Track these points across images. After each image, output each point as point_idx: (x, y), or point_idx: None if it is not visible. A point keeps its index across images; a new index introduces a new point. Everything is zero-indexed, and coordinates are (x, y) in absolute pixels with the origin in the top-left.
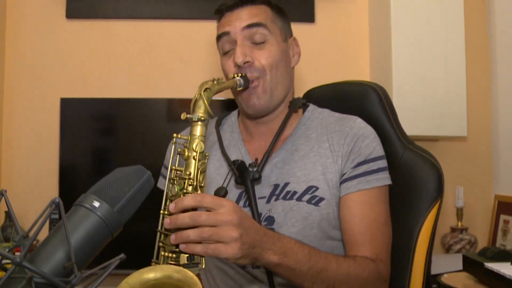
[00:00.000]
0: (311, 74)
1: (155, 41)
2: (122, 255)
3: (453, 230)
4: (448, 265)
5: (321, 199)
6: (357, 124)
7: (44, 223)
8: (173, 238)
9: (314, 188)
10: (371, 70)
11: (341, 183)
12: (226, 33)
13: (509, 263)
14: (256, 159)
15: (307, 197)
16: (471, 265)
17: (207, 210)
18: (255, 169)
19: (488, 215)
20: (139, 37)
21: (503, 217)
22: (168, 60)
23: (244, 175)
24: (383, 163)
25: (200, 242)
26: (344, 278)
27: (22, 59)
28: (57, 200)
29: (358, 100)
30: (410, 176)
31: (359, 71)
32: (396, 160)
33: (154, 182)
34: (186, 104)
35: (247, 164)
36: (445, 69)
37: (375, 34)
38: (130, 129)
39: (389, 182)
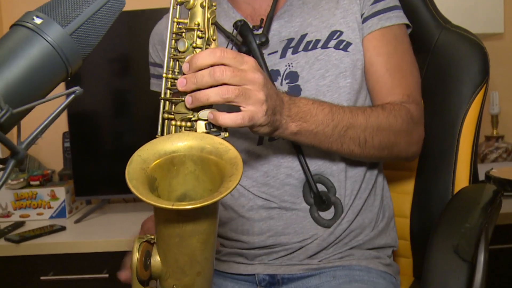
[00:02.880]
0: None
1: None
2: (77, 87)
3: (488, 138)
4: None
5: (349, 43)
6: None
7: None
8: (188, 101)
9: (338, 33)
10: None
11: (361, 23)
12: None
13: None
14: (262, 20)
15: (333, 42)
16: None
17: None
18: (260, 30)
19: None
20: None
21: None
22: None
23: (249, 38)
24: (396, 1)
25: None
26: (375, 131)
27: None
28: None
29: None
30: (450, 59)
31: None
32: (432, 43)
33: (125, 1)
34: None
35: (251, 27)
36: None
37: None
38: (140, 44)
39: (407, 21)
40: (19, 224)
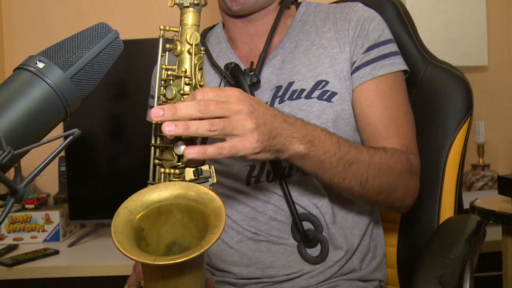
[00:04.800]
0: None
1: None
2: (76, 129)
3: (474, 167)
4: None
5: (333, 93)
6: (360, 7)
7: None
8: (170, 128)
9: (323, 83)
10: None
11: (352, 72)
12: None
13: None
14: (252, 63)
15: (317, 93)
16: (508, 186)
17: None
18: (251, 73)
19: (510, 150)
20: None
21: None
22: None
23: (240, 79)
24: (394, 46)
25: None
26: (377, 172)
27: (18, 9)
28: None
29: None
30: (435, 92)
31: None
32: (418, 77)
33: (123, 44)
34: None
35: (242, 70)
36: None
37: None
38: (136, 71)
39: (405, 67)
40: (13, 247)
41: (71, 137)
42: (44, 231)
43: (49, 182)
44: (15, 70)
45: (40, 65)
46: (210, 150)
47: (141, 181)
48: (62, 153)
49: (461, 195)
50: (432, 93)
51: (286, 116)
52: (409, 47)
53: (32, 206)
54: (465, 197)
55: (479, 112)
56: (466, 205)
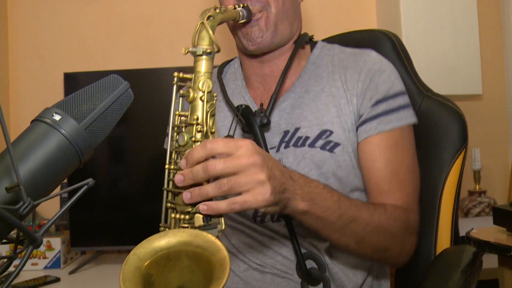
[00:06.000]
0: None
1: (158, 13)
2: (90, 179)
3: (471, 193)
4: (468, 229)
5: (336, 144)
6: (372, 57)
7: None
8: (187, 197)
9: (328, 132)
10: (378, 25)
11: (359, 126)
12: None
13: None
14: (262, 104)
15: (320, 142)
16: (503, 217)
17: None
18: (262, 114)
19: (506, 177)
20: (142, 10)
21: None
22: (171, 31)
23: (251, 121)
24: (404, 99)
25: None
26: (374, 231)
27: (25, 36)
28: None
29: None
30: (431, 125)
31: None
32: (414, 110)
33: (133, 95)
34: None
35: (253, 111)
36: (457, 26)
37: None
38: (138, 101)
39: (413, 120)
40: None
41: (86, 187)
42: (45, 258)
43: (51, 209)
44: (32, 121)
45: (57, 117)
46: (222, 207)
47: (141, 207)
48: (65, 180)
49: (457, 224)
50: (428, 126)
51: (291, 172)
52: (405, 80)
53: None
54: (462, 223)
55: (474, 139)
56: (464, 231)
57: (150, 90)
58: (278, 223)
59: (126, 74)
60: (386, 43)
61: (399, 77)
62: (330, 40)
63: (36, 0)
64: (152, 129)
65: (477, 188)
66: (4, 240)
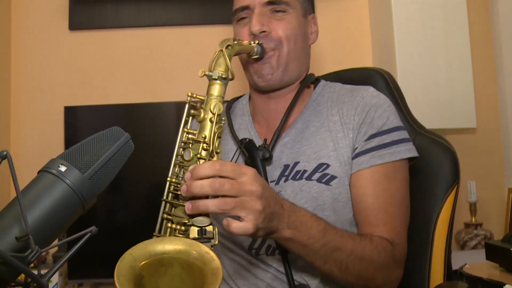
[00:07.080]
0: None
1: (156, 48)
2: (93, 227)
3: (467, 226)
4: (464, 262)
5: (333, 177)
6: (369, 93)
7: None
8: (188, 207)
9: (325, 166)
10: (374, 63)
11: (353, 158)
12: (245, 7)
13: None
14: (265, 140)
15: (317, 175)
16: (495, 253)
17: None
18: (264, 149)
19: (502, 209)
20: (140, 45)
21: None
22: (170, 65)
23: (254, 154)
24: (398, 134)
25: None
26: (358, 261)
27: (27, 70)
28: (4, 153)
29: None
30: (424, 161)
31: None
32: None
33: (133, 146)
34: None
35: (257, 146)
36: (450, 61)
37: (376, 24)
38: (137, 134)
39: (407, 155)
40: None
41: (89, 234)
42: None
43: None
44: (39, 172)
45: (62, 168)
46: (242, 227)
47: (140, 239)
48: None
49: (450, 259)
50: (421, 162)
51: (283, 201)
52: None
53: (32, 264)
54: (458, 256)
55: (470, 172)
56: (459, 264)
57: (148, 124)
58: (272, 256)
59: (125, 108)
60: (379, 80)
61: (395, 112)
62: (326, 77)
63: (38, 35)
64: (149, 161)
65: (473, 220)
66: (12, 284)
